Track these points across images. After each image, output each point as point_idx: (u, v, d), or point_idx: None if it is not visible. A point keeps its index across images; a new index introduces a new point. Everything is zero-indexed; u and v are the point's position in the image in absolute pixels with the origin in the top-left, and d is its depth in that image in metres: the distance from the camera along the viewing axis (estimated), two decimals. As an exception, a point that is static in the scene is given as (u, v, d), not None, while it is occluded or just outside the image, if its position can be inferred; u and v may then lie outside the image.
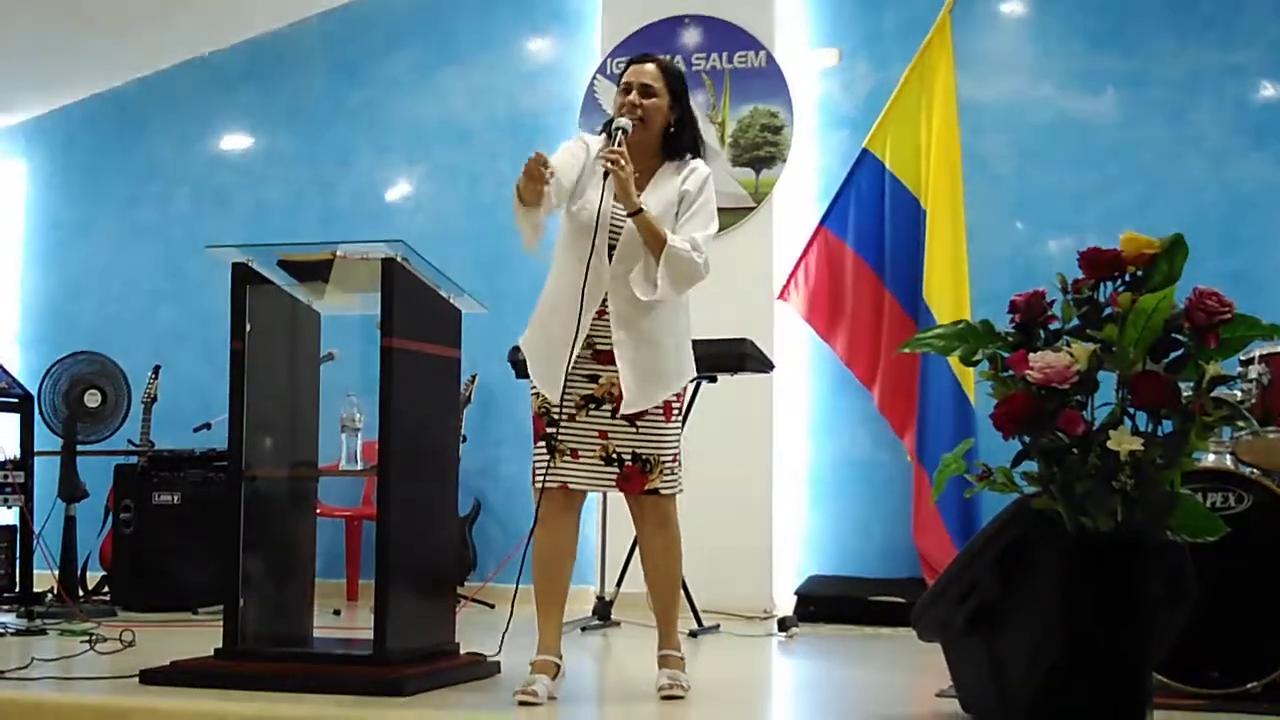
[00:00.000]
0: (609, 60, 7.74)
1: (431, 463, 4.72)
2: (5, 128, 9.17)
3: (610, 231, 4.32)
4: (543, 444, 4.34)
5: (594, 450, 4.32)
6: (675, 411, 4.40)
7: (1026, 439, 3.43)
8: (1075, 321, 3.48)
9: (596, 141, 4.46)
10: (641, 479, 4.33)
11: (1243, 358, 4.67)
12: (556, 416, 4.30)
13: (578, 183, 4.42)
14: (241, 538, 4.64)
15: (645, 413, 4.31)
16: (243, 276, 4.66)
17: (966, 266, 7.08)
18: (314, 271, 4.66)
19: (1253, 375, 4.65)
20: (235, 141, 8.77)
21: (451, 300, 4.75)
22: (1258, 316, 3.43)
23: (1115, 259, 3.45)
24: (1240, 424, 4.40)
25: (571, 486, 4.34)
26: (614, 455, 4.32)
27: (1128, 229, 3.54)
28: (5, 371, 7.16)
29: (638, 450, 4.32)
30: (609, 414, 4.31)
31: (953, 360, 4.14)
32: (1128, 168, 7.27)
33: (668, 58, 4.68)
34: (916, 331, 6.57)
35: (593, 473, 4.33)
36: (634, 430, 4.31)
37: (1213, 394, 3.41)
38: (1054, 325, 3.51)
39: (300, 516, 4.92)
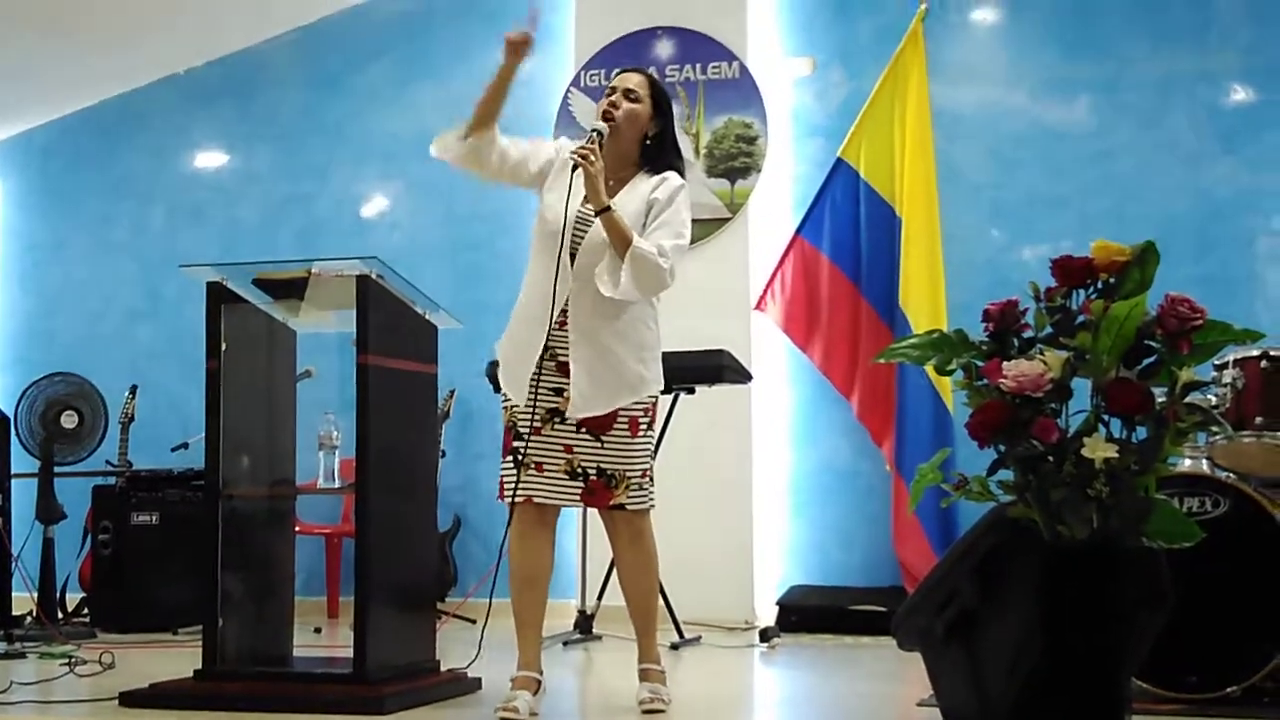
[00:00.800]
0: (583, 73, 7.75)
1: (410, 479, 4.72)
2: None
3: (574, 236, 4.29)
4: (510, 458, 4.32)
5: (559, 464, 4.29)
6: (643, 427, 4.36)
7: (1002, 447, 3.44)
8: (1048, 330, 3.49)
9: (571, 145, 4.42)
10: (607, 494, 4.29)
11: (1216, 363, 4.69)
12: (523, 430, 4.29)
13: (543, 181, 4.45)
14: (220, 557, 4.63)
15: (611, 428, 4.28)
16: (217, 295, 4.65)
17: (942, 274, 7.11)
18: (289, 289, 4.66)
19: (1226, 380, 4.66)
20: (210, 158, 8.75)
21: (427, 316, 4.75)
22: (1230, 322, 3.44)
23: (1087, 266, 3.46)
24: (1215, 429, 4.43)
25: (537, 500, 4.30)
26: (579, 469, 4.29)
27: (1102, 235, 3.54)
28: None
29: (602, 465, 4.29)
30: (574, 428, 4.28)
31: (929, 369, 4.15)
32: (1101, 174, 7.29)
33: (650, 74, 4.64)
34: (893, 340, 6.59)
35: (558, 487, 4.30)
36: (599, 445, 4.28)
37: (1186, 399, 3.42)
38: (1027, 334, 3.52)
39: (279, 535, 4.91)
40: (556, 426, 4.28)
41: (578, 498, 4.31)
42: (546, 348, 4.27)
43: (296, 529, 5.12)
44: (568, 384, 4.26)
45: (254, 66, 8.65)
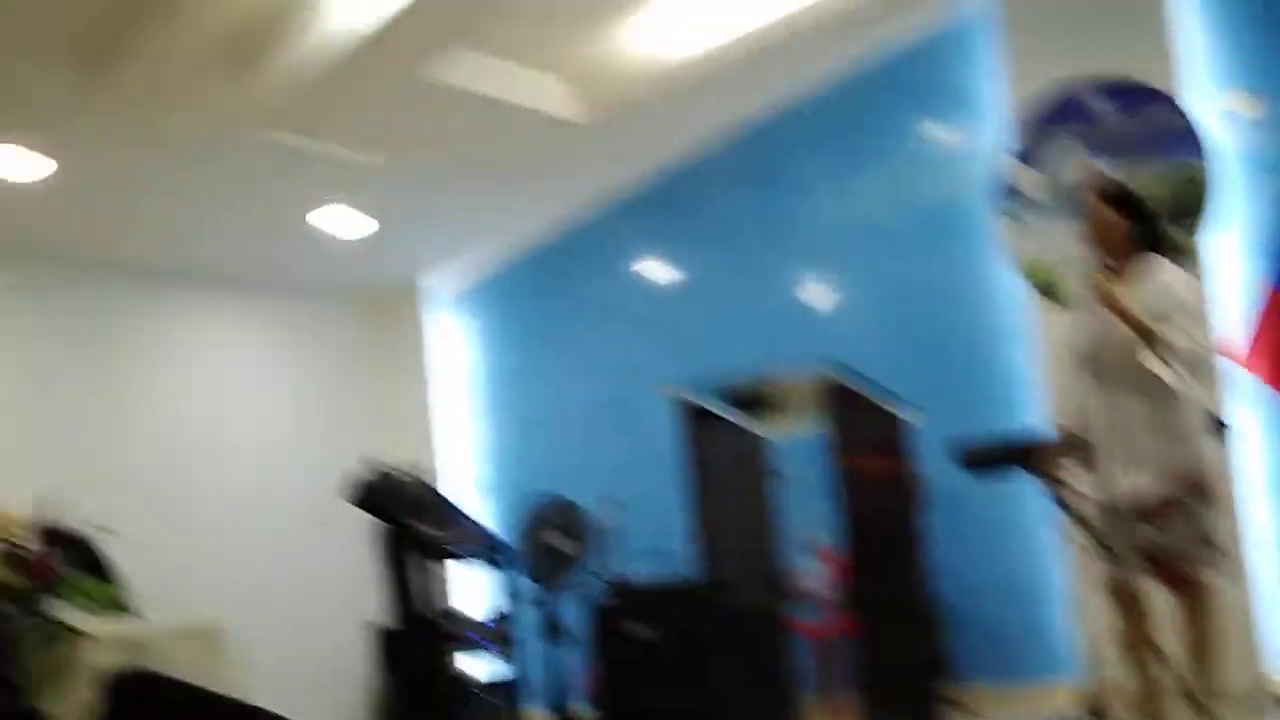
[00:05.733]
0: (1017, 139, 7.64)
1: (899, 573, 4.73)
2: (455, 291, 9.79)
3: (1106, 352, 4.78)
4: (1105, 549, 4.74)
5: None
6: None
7: None
8: None
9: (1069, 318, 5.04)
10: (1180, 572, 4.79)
11: None
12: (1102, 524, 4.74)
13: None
14: (722, 664, 4.75)
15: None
16: (689, 411, 4.82)
17: None
18: (756, 399, 4.78)
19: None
20: (659, 270, 9.03)
21: (892, 410, 4.78)
22: None
23: None
24: None
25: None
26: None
27: None
28: (483, 527, 7.52)
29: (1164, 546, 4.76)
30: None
31: None
32: None
33: (1110, 183, 5.27)
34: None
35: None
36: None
37: None
38: None
39: (777, 638, 5.00)
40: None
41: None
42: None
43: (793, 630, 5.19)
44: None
45: (687, 173, 8.89)
